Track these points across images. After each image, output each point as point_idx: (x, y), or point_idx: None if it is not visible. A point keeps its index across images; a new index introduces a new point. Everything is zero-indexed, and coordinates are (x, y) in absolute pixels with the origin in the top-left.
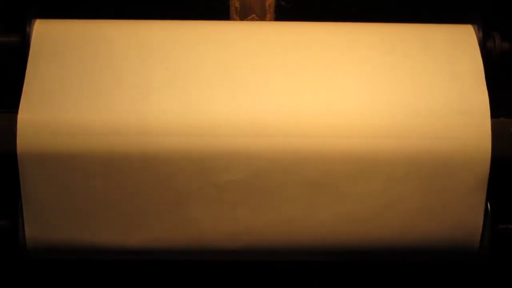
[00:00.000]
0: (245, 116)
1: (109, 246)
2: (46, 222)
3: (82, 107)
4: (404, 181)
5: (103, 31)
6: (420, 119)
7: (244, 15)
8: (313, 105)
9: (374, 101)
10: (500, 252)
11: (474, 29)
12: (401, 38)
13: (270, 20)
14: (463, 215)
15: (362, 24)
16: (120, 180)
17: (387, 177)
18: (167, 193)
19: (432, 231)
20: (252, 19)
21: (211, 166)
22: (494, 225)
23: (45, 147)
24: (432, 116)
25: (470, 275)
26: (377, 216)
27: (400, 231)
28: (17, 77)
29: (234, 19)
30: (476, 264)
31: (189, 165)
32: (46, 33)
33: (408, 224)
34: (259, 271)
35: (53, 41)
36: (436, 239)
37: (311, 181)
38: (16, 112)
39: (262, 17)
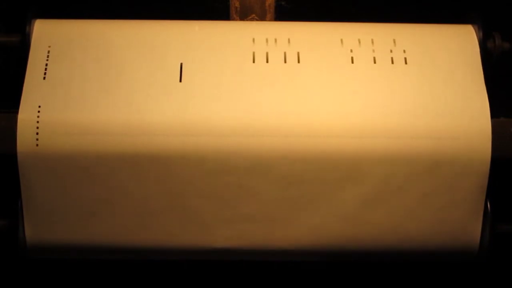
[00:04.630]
0: (245, 116)
1: (109, 246)
2: (46, 222)
3: (82, 107)
4: (404, 181)
5: (103, 31)
6: (420, 119)
7: (244, 15)
8: (313, 106)
9: (374, 101)
10: (500, 252)
11: (474, 29)
12: (401, 38)
13: (270, 20)
14: (463, 215)
15: (362, 24)
16: (120, 180)
17: (387, 177)
18: (167, 193)
19: (432, 230)
20: (252, 19)
21: (211, 166)
22: (494, 225)
23: (45, 147)
24: (432, 116)
25: (470, 275)
26: (376, 216)
27: (399, 231)
28: (17, 77)
29: (234, 19)
30: (476, 264)
31: (189, 165)
32: (46, 33)
33: (408, 224)
34: (259, 271)
35: (53, 41)
36: (436, 238)
37: (311, 182)
38: (16, 112)
39: (262, 17)
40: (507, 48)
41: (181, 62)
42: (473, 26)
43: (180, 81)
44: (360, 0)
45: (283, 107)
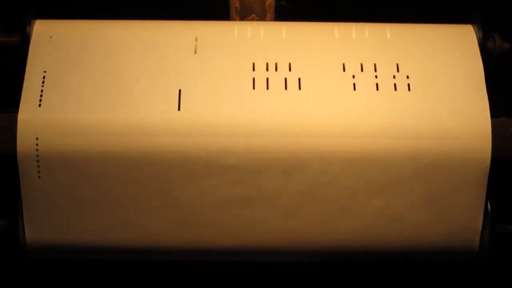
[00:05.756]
0: (245, 116)
1: (109, 246)
2: (46, 222)
3: (82, 107)
4: (403, 181)
5: (103, 31)
6: (420, 119)
7: (244, 15)
8: (313, 105)
9: (374, 101)
10: (500, 252)
11: (474, 29)
12: (401, 38)
13: (270, 20)
14: (463, 215)
15: (362, 24)
16: (120, 180)
17: (386, 177)
18: (167, 193)
19: (432, 231)
20: (252, 19)
21: (212, 166)
22: (494, 225)
23: (45, 147)
24: (432, 116)
25: (470, 275)
26: (375, 216)
27: (399, 231)
28: (17, 77)
29: (234, 19)
30: (476, 264)
31: (189, 165)
32: (46, 33)
33: (407, 224)
34: (259, 271)
35: (53, 41)
36: (436, 238)
37: (312, 181)
38: (16, 112)
39: (262, 17)
40: (507, 48)
41: (179, 88)
42: (473, 26)
43: (179, 109)
44: (360, 0)
45: (284, 134)
